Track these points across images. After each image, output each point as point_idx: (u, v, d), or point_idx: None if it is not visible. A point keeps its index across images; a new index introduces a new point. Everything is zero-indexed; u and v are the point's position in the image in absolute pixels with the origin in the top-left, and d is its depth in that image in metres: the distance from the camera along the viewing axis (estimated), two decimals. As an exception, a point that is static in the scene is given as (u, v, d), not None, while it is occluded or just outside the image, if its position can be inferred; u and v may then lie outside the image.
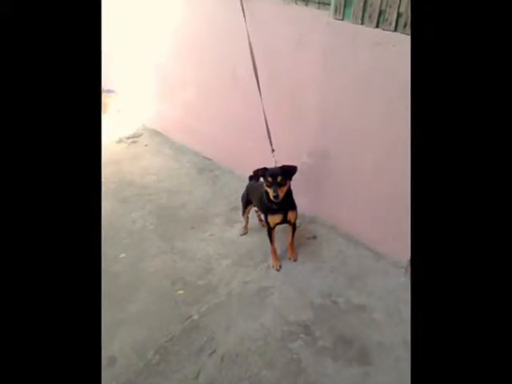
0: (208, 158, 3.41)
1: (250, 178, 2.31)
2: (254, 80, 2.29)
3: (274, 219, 2.15)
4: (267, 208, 2.13)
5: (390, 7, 1.76)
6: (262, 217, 2.41)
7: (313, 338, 1.84)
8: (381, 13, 1.80)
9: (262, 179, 2.06)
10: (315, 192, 2.56)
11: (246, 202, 2.44)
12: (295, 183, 2.12)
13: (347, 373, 1.70)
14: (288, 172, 2.02)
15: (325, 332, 1.87)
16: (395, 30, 1.78)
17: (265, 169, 2.03)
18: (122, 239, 2.50)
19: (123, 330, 1.88)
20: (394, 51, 1.81)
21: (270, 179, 1.98)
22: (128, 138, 3.82)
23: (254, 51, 2.27)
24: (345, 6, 1.91)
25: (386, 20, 1.79)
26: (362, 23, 1.88)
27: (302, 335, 1.85)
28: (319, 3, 2.03)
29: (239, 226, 2.60)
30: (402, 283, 2.13)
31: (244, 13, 2.28)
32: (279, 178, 1.97)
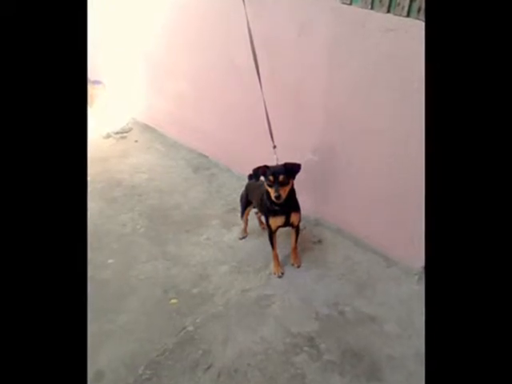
0: (204, 155, 3.41)
1: (250, 176, 2.31)
2: (254, 70, 2.29)
3: (275, 221, 2.15)
4: (268, 209, 2.13)
5: (403, -10, 1.76)
6: (263, 219, 2.40)
7: (318, 351, 1.84)
8: (392, -4, 1.80)
9: (262, 178, 2.06)
10: (320, 192, 2.56)
11: (246, 203, 2.44)
12: (299, 182, 2.12)
13: (355, 389, 1.70)
14: (291, 170, 2.02)
15: (331, 345, 1.87)
16: (408, 15, 1.78)
17: (266, 167, 2.03)
18: (109, 243, 2.50)
19: (111, 343, 1.88)
20: (407, 38, 1.81)
21: (271, 178, 1.98)
22: (116, 133, 3.82)
23: (254, 39, 2.27)
24: (353, -10, 1.91)
25: (398, 4, 1.79)
26: (372, 8, 1.88)
27: (306, 348, 1.85)
28: (325, -14, 2.03)
29: (238, 229, 2.60)
30: (416, 292, 2.13)
31: (243, -3, 2.28)
32: (281, 177, 1.97)
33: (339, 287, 2.17)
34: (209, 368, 1.77)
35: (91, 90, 4.04)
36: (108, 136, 3.78)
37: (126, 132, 3.85)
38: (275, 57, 2.39)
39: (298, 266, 2.32)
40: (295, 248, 2.32)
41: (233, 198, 2.89)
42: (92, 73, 3.82)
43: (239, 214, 2.56)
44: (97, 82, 4.13)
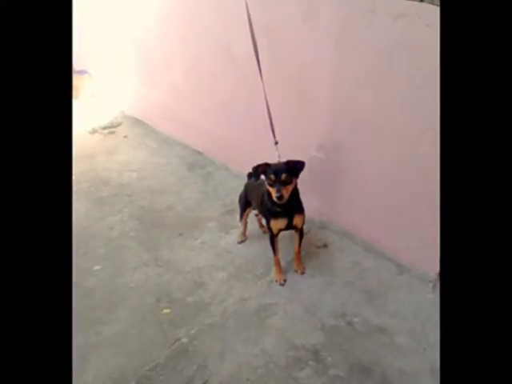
0: (199, 152, 3.41)
1: (249, 175, 2.31)
2: (254, 60, 2.29)
3: (277, 224, 2.15)
4: (269, 211, 2.13)
5: (416, -27, 1.76)
6: (264, 221, 2.40)
7: (324, 365, 1.84)
8: (404, -21, 1.80)
9: (262, 177, 2.06)
10: (326, 192, 2.56)
11: (245, 204, 2.44)
12: (302, 182, 2.12)
13: (364, 407, 1.71)
14: (294, 168, 2.02)
15: (338, 358, 1.86)
16: (422, -1, 1.79)
17: (266, 165, 2.03)
18: (96, 248, 2.50)
19: (98, 356, 1.88)
20: (421, 25, 1.81)
21: (272, 177, 1.98)
22: (104, 127, 3.82)
23: (254, 26, 2.27)
24: (362, -28, 1.91)
25: (411, -12, 1.79)
26: (383, -8, 1.88)
27: (310, 362, 1.85)
28: (331, -32, 2.03)
29: (236, 233, 2.60)
30: (430, 301, 2.13)
31: (242, -21, 2.28)
32: (283, 176, 1.97)
33: (347, 296, 2.17)
34: (204, 384, 1.78)
35: (76, 81, 4.05)
36: (95, 131, 3.78)
37: (115, 127, 3.85)
38: (277, 45, 2.39)
39: (302, 273, 2.32)
40: (298, 253, 2.32)
41: (231, 198, 2.88)
42: (77, 62, 3.83)
43: (238, 216, 2.56)
44: (82, 72, 4.14)
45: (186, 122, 3.36)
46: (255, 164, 2.06)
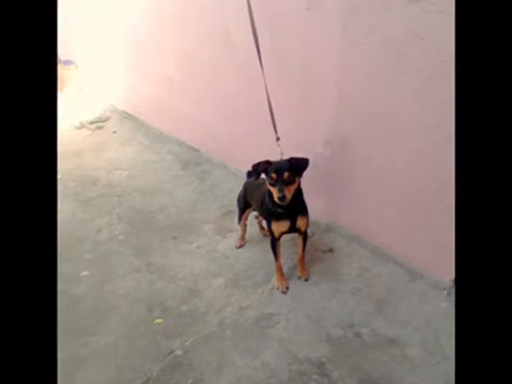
0: (194, 149, 3.41)
1: (249, 174, 2.31)
2: (254, 49, 2.29)
3: (279, 227, 2.15)
4: (270, 213, 2.13)
5: (429, -45, 1.76)
6: (264, 224, 2.40)
7: (329, 379, 1.84)
8: (417, -38, 1.80)
9: (263, 176, 2.06)
10: (332, 193, 2.56)
11: (244, 205, 2.44)
12: (307, 181, 2.12)
13: (373, 425, 1.71)
14: (297, 166, 2.02)
15: (345, 372, 1.87)
16: (435, -16, 1.78)
17: (267, 162, 2.03)
18: (83, 253, 2.50)
19: (86, 370, 1.88)
20: (435, 12, 1.81)
21: (273, 176, 1.98)
22: (92, 122, 3.83)
23: (254, 12, 2.27)
24: (370, -46, 1.92)
25: (424, -29, 1.79)
26: (393, -25, 1.88)
27: (315, 376, 1.85)
28: (337, -50, 2.03)
29: (234, 236, 2.61)
30: (444, 309, 2.13)
31: (241, -38, 2.28)
32: (286, 175, 1.97)
33: (354, 304, 2.17)
34: (200, 399, 1.78)
35: (62, 72, 4.05)
36: (82, 126, 3.79)
37: (103, 121, 3.86)
38: (279, 33, 2.39)
39: (306, 280, 2.32)
40: (302, 258, 2.32)
41: (229, 199, 2.88)
42: (63, 51, 3.83)
43: (236, 218, 2.56)
44: (68, 62, 4.14)
45: (180, 116, 3.37)
46: (255, 162, 2.07)
